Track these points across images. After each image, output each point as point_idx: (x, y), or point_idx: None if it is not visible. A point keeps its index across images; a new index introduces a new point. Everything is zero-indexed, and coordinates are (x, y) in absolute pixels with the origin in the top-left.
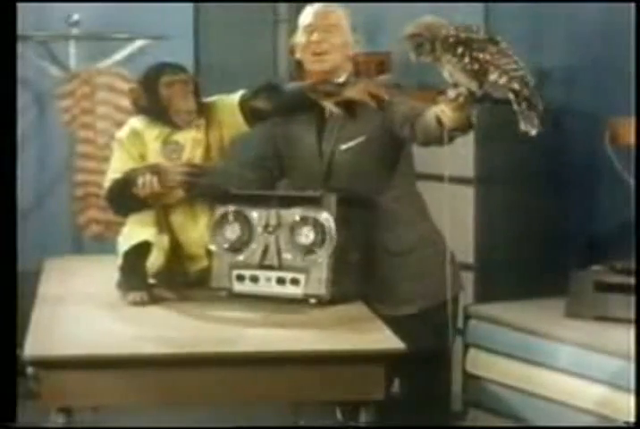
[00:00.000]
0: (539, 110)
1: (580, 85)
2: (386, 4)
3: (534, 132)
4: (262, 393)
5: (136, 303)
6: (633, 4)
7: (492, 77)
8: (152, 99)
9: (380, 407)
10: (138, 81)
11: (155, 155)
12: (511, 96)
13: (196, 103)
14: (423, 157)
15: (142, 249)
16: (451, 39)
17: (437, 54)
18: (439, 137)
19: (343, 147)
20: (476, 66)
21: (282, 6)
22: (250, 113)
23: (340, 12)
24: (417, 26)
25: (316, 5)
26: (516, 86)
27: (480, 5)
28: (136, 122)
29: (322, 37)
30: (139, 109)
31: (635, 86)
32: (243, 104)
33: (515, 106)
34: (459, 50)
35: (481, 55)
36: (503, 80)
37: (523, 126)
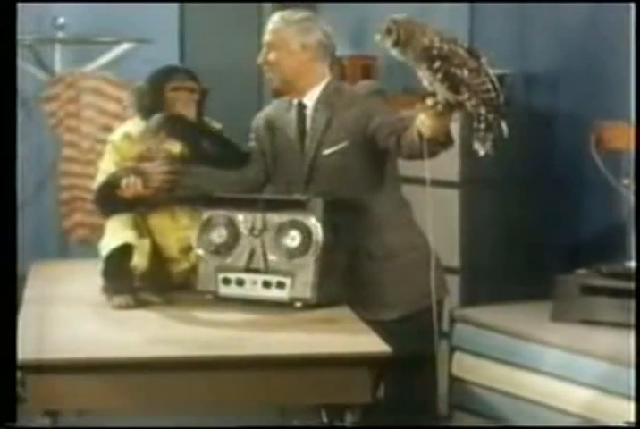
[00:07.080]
0: (496, 134)
1: (567, 88)
2: (372, 4)
3: (482, 153)
4: (248, 397)
5: (121, 307)
6: (633, 4)
7: (462, 97)
8: (155, 101)
9: (366, 411)
10: (145, 81)
11: (145, 160)
12: (474, 114)
13: (197, 112)
14: (408, 161)
15: (123, 253)
16: (434, 51)
17: (410, 57)
18: (421, 151)
19: (326, 151)
20: (447, 84)
21: (267, 7)
22: None
23: (288, 29)
24: (396, 27)
25: (271, 20)
26: (482, 110)
27: (466, 8)
28: (131, 127)
29: (265, 53)
30: (139, 110)
31: (634, 89)
32: None
33: (474, 124)
34: (436, 64)
35: (458, 72)
36: (472, 102)
37: (475, 145)
